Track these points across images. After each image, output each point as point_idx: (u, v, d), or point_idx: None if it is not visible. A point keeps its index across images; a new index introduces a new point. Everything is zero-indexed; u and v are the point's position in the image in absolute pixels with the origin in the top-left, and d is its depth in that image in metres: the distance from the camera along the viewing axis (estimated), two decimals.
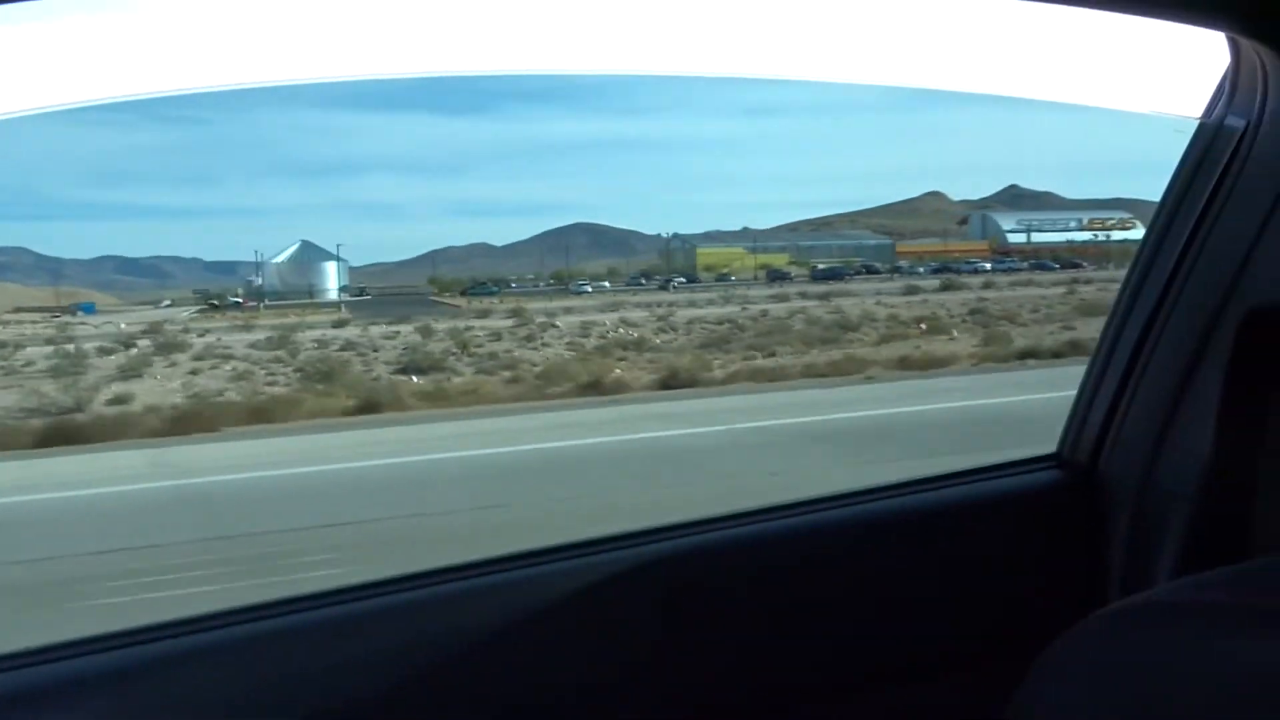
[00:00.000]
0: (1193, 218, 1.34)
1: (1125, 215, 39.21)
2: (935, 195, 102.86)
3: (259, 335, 19.97)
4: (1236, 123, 1.30)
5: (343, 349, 17.22)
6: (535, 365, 15.20)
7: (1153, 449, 1.37)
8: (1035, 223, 39.34)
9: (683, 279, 37.43)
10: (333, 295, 41.74)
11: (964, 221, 46.89)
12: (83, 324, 33.87)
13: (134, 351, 17.71)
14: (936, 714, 1.25)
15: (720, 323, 20.07)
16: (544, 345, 17.70)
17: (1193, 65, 1.33)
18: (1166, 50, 1.24)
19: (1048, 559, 1.39)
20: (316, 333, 19.92)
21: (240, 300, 38.50)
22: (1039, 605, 1.30)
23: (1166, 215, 1.39)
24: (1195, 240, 1.34)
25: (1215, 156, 1.32)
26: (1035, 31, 1.17)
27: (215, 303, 38.75)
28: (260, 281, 44.64)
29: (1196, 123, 1.36)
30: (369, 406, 12.53)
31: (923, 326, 17.91)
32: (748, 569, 1.20)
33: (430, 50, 0.95)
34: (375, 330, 20.33)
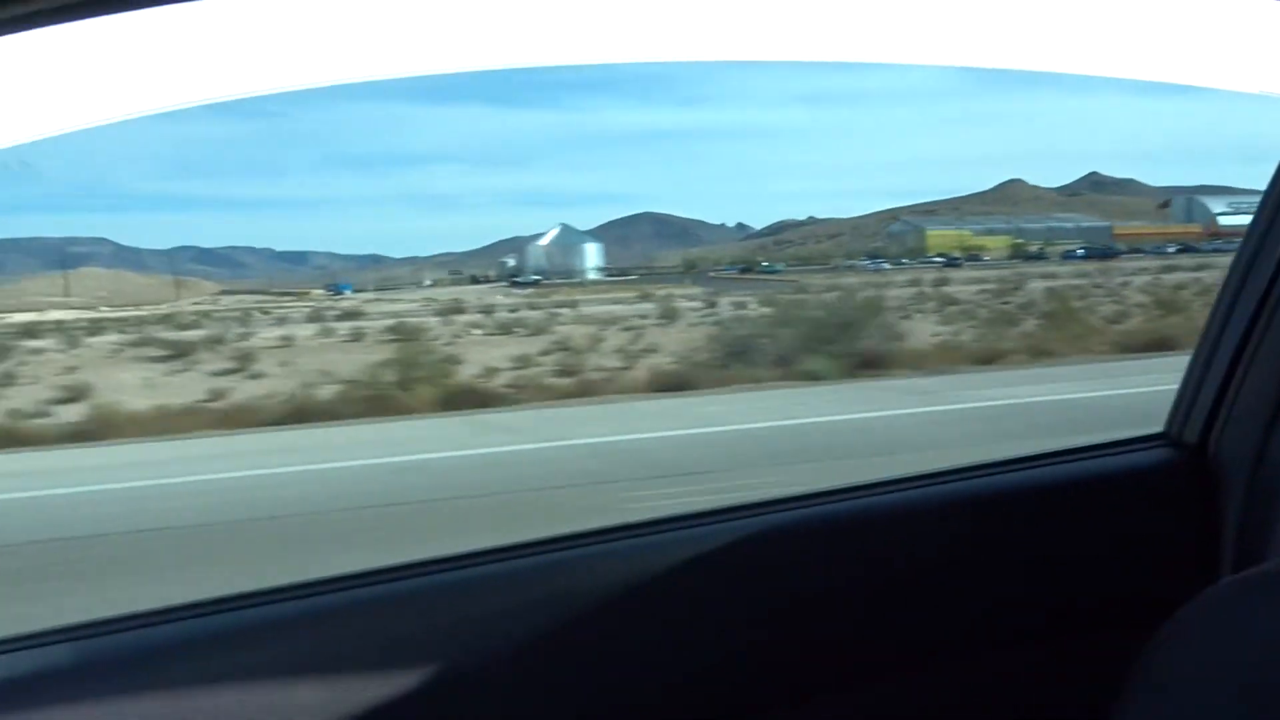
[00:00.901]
0: None
1: None
2: (1016, 182, 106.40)
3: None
4: None
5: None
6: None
7: (1265, 428, 1.36)
8: (1246, 205, 43.39)
9: (940, 258, 40.80)
10: (593, 275, 44.64)
11: (1166, 205, 50.70)
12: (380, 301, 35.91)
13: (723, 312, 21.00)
14: (1049, 677, 1.26)
15: (1180, 288, 23.63)
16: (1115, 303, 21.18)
17: None
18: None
19: (1157, 536, 1.41)
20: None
21: (539, 279, 41.20)
22: (1148, 581, 1.35)
23: None
24: None
25: None
26: (1141, 10, 1.13)
27: (516, 279, 41.43)
28: (515, 262, 47.48)
29: None
30: None
31: None
32: (852, 544, 1.21)
33: (488, 43, 0.96)
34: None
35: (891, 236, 50.17)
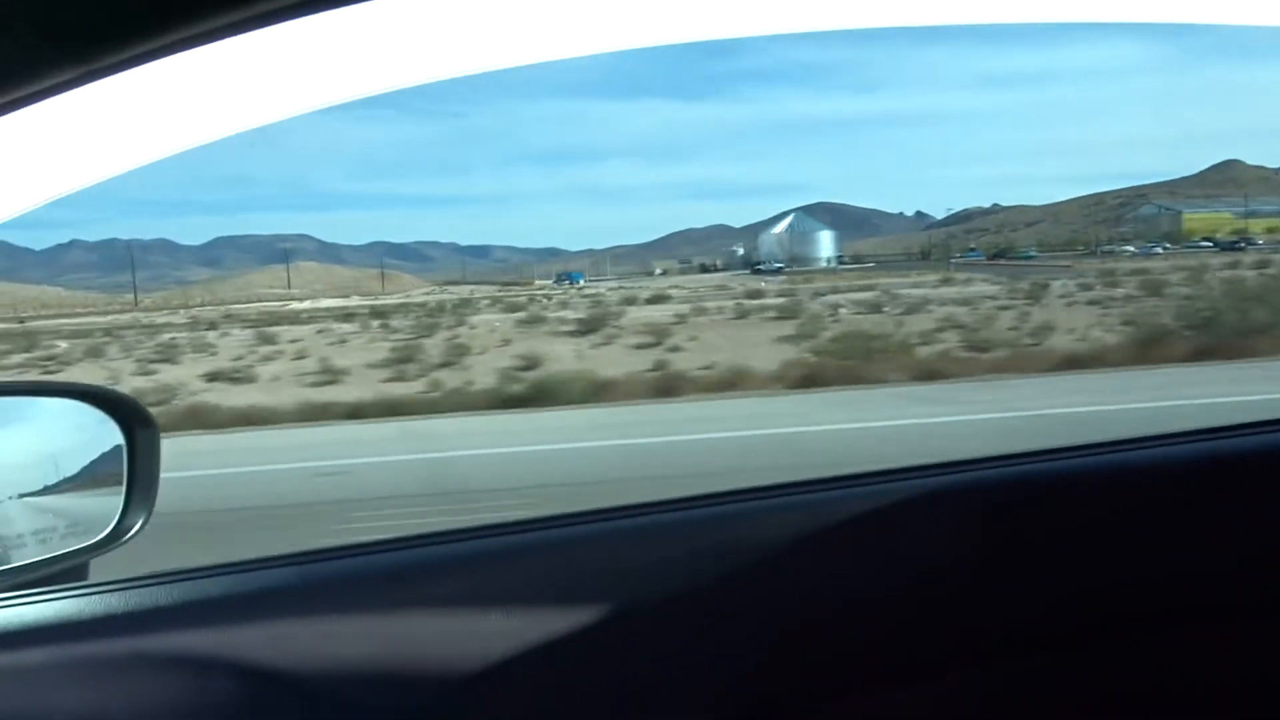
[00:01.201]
0: None
1: None
2: (1234, 163, 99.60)
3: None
4: None
5: None
6: None
7: None
8: None
9: (1210, 242, 38.83)
10: (824, 263, 44.69)
11: None
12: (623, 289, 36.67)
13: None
14: (1226, 658, 1.21)
15: None
16: None
17: None
18: None
19: None
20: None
21: (781, 266, 41.55)
22: None
23: None
24: None
25: None
26: None
27: (760, 267, 42.06)
28: (742, 251, 48.24)
29: None
30: None
31: None
32: (1006, 514, 1.18)
33: (657, 20, 0.95)
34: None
35: (1140, 220, 47.95)
